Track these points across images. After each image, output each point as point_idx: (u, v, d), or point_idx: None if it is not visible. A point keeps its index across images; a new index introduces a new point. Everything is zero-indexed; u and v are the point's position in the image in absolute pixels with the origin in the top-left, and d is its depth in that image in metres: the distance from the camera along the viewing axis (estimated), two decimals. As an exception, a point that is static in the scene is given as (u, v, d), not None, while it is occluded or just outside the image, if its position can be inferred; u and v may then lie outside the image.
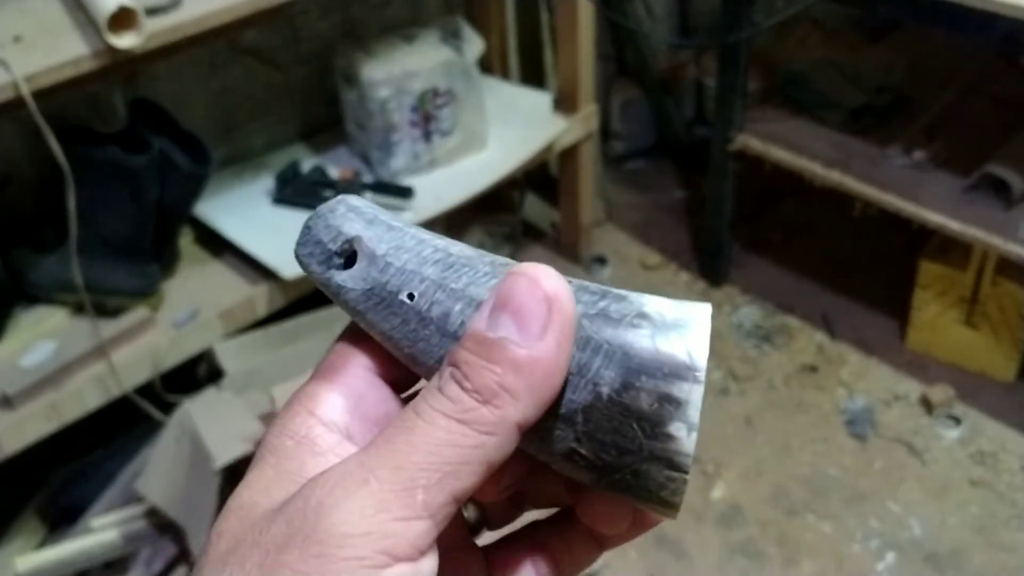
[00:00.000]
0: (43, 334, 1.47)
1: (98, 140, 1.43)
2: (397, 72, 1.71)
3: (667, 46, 2.42)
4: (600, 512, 0.32)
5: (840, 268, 2.15)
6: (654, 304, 0.29)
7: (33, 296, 1.51)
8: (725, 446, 1.80)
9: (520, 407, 0.27)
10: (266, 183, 1.77)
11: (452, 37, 1.78)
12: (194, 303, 1.57)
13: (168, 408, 1.50)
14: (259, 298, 1.60)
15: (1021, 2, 1.41)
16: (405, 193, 1.73)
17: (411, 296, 0.31)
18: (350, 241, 0.32)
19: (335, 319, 1.65)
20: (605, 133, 2.41)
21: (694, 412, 0.28)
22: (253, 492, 0.28)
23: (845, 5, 1.88)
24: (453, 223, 2.03)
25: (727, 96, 1.90)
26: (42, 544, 1.52)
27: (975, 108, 1.94)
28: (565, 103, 2.00)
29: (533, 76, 2.19)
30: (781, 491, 1.73)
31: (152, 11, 1.29)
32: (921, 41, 2.05)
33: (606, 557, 1.58)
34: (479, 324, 0.28)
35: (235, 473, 1.41)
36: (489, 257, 0.31)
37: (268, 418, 1.42)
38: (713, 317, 0.29)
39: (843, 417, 1.85)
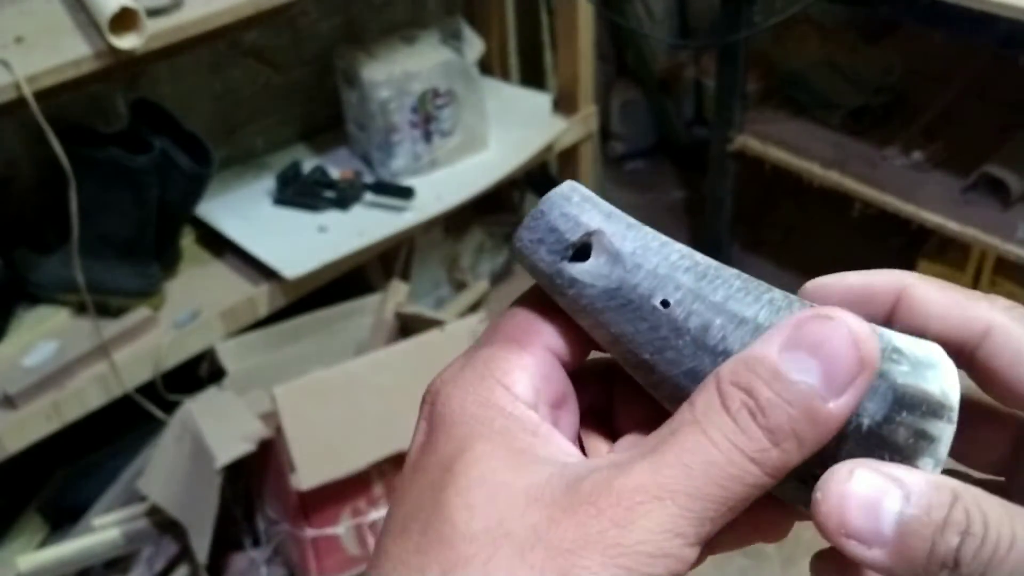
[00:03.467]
0: (45, 334, 1.48)
1: (100, 140, 1.43)
2: (397, 73, 1.71)
3: (667, 46, 2.42)
4: (766, 522, 0.32)
5: (839, 268, 2.11)
6: (902, 340, 0.29)
7: (35, 296, 1.51)
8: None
9: (800, 455, 0.27)
10: (267, 183, 1.78)
11: (452, 38, 1.79)
12: (195, 303, 1.57)
13: (170, 407, 1.50)
14: (260, 298, 1.60)
15: (1021, 2, 1.41)
16: (406, 193, 1.73)
17: (665, 303, 0.29)
18: (590, 234, 0.30)
19: (336, 319, 1.66)
20: (605, 134, 2.41)
21: (944, 450, 0.28)
22: (495, 469, 0.27)
23: (845, 5, 1.89)
24: (453, 223, 2.04)
25: (726, 96, 1.90)
26: (44, 543, 1.52)
27: (974, 108, 1.94)
28: (565, 104, 2.01)
29: (533, 77, 2.19)
30: (780, 490, 1.73)
31: (153, 12, 1.29)
32: (920, 41, 2.05)
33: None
34: (769, 354, 0.27)
35: (236, 472, 1.42)
36: (734, 270, 0.30)
37: (269, 417, 1.43)
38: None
39: (842, 416, 1.85)
